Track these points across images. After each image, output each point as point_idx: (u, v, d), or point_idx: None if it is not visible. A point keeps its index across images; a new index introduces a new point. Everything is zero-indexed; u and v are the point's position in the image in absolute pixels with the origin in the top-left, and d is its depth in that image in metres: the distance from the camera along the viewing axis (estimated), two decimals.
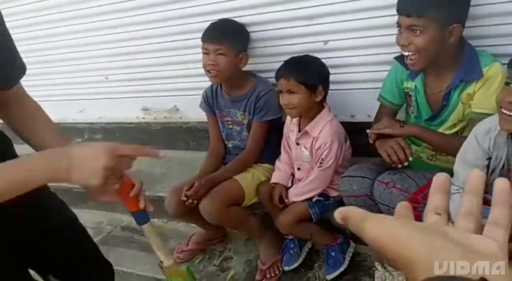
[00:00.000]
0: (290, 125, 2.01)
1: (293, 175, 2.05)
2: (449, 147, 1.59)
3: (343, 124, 1.96)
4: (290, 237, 2.11)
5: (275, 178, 2.03)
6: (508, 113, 1.25)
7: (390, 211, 1.53)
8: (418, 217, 1.57)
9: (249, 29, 2.09)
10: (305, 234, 2.04)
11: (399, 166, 1.54)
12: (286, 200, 1.96)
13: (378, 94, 1.88)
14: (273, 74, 1.91)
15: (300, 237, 2.09)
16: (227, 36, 1.94)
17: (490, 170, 1.42)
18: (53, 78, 2.85)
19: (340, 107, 2.07)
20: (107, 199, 1.20)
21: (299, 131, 1.95)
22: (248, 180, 2.03)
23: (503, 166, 1.40)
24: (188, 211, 1.99)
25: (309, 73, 1.82)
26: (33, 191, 1.00)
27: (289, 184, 2.02)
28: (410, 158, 1.54)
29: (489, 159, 1.41)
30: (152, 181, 2.61)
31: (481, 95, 1.54)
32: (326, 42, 2.01)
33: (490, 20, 1.66)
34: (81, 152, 0.96)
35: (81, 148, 0.97)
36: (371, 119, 1.93)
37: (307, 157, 1.95)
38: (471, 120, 1.60)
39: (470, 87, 1.56)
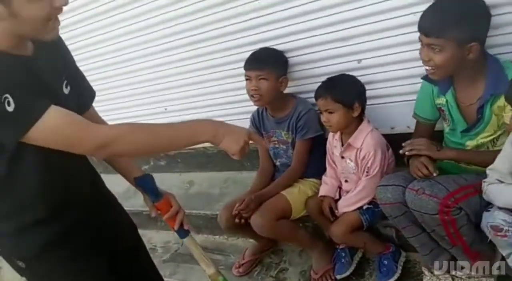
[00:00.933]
0: (333, 141, 2.14)
1: (339, 187, 2.16)
2: (484, 163, 1.64)
3: (384, 136, 2.07)
4: (341, 247, 2.19)
5: (323, 191, 2.14)
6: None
7: (423, 217, 1.61)
8: (453, 222, 1.66)
9: (287, 54, 2.26)
10: (358, 243, 2.13)
11: None
12: (336, 211, 2.07)
13: (413, 105, 1.96)
14: (312, 95, 2.07)
15: (354, 245, 2.17)
16: (267, 62, 2.13)
17: None
18: (119, 113, 3.14)
19: (379, 120, 2.16)
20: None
21: (342, 145, 2.07)
22: (294, 194, 2.16)
23: None
24: (240, 225, 2.15)
25: (344, 91, 1.96)
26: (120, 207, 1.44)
27: (337, 196, 2.14)
28: (434, 174, 1.63)
29: None
30: (211, 200, 2.83)
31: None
32: (359, 60, 2.13)
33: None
34: (234, 127, 1.29)
35: (234, 125, 1.31)
36: (411, 130, 2.02)
37: (353, 169, 2.06)
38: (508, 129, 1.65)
39: (501, 99, 1.61)
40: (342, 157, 2.08)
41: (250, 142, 1.31)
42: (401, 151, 1.74)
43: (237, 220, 2.12)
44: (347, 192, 2.10)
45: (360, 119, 2.02)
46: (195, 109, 2.84)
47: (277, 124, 2.27)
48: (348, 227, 2.03)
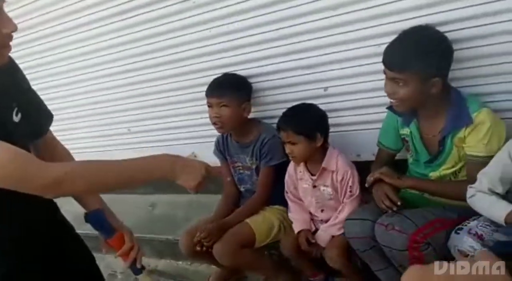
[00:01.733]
0: (297, 174, 2.08)
1: (312, 219, 2.10)
2: (445, 194, 1.69)
3: None
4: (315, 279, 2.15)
5: (298, 226, 2.05)
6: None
7: (392, 252, 1.60)
8: (421, 257, 1.65)
9: (253, 80, 2.24)
10: (354, 267, 2.02)
11: (390, 211, 1.64)
12: (313, 241, 1.98)
13: (377, 134, 1.98)
14: (277, 120, 2.04)
15: (347, 272, 2.01)
16: (228, 89, 2.09)
17: None
18: (80, 132, 3.06)
19: (345, 148, 2.15)
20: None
21: (312, 175, 2.02)
22: (258, 222, 2.12)
23: None
24: (201, 252, 2.07)
25: (305, 123, 1.92)
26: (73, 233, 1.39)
27: (313, 228, 2.07)
28: (399, 203, 1.64)
29: None
30: (174, 224, 2.76)
31: (472, 140, 1.63)
32: (326, 88, 2.13)
33: (473, 62, 1.76)
34: (190, 162, 1.26)
35: (190, 160, 1.28)
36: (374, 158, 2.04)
37: (329, 195, 2.00)
38: (468, 162, 1.69)
39: (460, 132, 1.65)
40: (314, 186, 2.03)
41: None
42: (366, 185, 1.74)
43: (198, 248, 2.05)
44: (326, 221, 2.03)
45: (324, 147, 2.00)
46: (159, 131, 2.79)
47: (241, 150, 2.24)
48: (343, 249, 1.92)
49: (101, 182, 1.17)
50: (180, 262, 2.75)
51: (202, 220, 2.20)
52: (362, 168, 2.03)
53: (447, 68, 1.65)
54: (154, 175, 1.21)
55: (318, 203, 2.05)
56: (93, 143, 3.07)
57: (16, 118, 1.25)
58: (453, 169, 1.76)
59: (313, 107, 2.00)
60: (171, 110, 2.65)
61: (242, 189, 2.33)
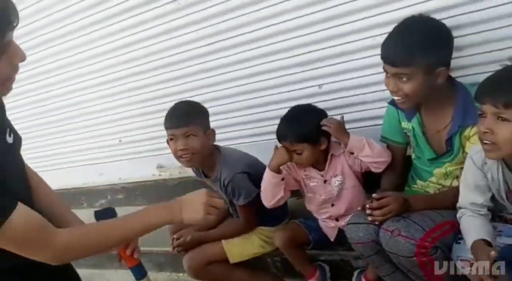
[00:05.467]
0: (301, 173, 1.96)
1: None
2: (439, 206, 1.61)
3: None
4: None
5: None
6: (484, 142, 1.31)
7: (399, 259, 1.51)
8: (431, 261, 1.56)
9: (246, 80, 2.21)
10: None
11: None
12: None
13: (378, 130, 1.89)
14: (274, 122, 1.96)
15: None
16: (193, 117, 1.94)
17: (494, 191, 1.44)
18: (70, 146, 3.02)
19: None
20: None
21: (320, 170, 1.91)
22: (233, 242, 2.08)
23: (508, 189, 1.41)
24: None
25: (306, 129, 1.82)
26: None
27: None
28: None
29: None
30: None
31: (477, 140, 1.54)
32: (320, 85, 2.07)
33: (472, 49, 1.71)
34: (187, 197, 1.27)
35: (187, 195, 1.28)
36: None
37: (340, 184, 1.90)
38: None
39: (466, 130, 1.58)
40: (325, 181, 1.92)
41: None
42: (369, 218, 1.59)
43: (171, 250, 2.14)
44: (336, 217, 1.95)
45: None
46: (151, 140, 2.73)
47: (213, 183, 2.09)
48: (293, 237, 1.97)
49: (103, 245, 1.23)
50: (181, 274, 2.67)
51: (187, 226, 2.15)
52: None
53: (449, 57, 1.58)
54: (156, 225, 1.23)
55: (330, 198, 1.95)
56: (85, 156, 3.04)
57: (10, 139, 1.25)
58: (460, 166, 1.66)
59: (310, 109, 1.90)
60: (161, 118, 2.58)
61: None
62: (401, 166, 1.87)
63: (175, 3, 2.19)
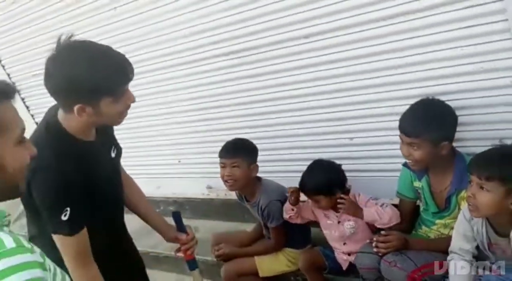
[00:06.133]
0: (322, 216, 2.31)
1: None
2: (435, 249, 1.94)
3: None
4: None
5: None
6: (469, 203, 1.65)
7: None
8: None
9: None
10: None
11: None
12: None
13: (397, 186, 2.22)
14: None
15: None
16: (240, 151, 2.34)
17: (479, 242, 1.77)
18: (137, 161, 3.46)
19: (366, 192, 2.36)
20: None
21: (337, 212, 2.23)
22: (264, 259, 2.46)
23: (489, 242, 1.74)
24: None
25: (319, 184, 2.18)
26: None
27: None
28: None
29: None
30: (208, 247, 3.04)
31: None
32: (351, 138, 2.44)
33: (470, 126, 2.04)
34: None
35: None
36: (392, 201, 2.28)
37: (352, 228, 2.21)
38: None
39: (462, 192, 1.91)
40: (339, 222, 2.23)
41: None
42: (375, 249, 1.95)
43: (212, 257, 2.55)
44: (348, 253, 2.26)
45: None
46: (205, 164, 3.12)
47: (252, 207, 2.50)
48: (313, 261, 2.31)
49: None
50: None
51: (235, 233, 2.74)
52: None
53: (453, 133, 1.93)
54: None
55: (342, 237, 2.28)
56: (148, 170, 3.47)
57: (113, 154, 1.62)
58: (455, 219, 1.97)
59: (325, 164, 2.25)
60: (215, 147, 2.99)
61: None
62: (410, 216, 2.22)
63: None
